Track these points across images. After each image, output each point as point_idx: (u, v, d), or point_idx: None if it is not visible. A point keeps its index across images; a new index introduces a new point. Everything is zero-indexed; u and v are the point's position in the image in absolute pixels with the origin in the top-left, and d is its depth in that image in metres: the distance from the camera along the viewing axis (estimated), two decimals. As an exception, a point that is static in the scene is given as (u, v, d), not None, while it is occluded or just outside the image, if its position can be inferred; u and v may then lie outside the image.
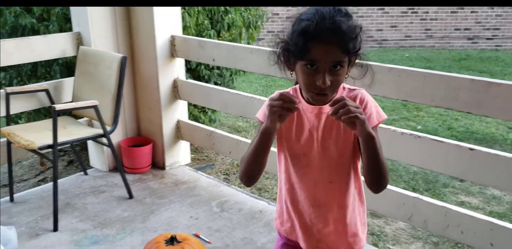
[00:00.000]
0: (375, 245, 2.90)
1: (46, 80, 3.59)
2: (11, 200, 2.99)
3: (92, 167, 3.45)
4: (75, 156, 3.34)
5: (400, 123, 5.04)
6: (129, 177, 3.22)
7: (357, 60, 1.27)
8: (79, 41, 3.05)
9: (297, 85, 1.36)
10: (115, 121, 2.78)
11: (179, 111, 3.28)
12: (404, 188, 3.61)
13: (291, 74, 1.31)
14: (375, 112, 1.30)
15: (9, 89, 2.81)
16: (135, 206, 2.91)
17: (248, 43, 3.90)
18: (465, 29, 8.86)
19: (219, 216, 2.78)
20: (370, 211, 3.18)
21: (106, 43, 3.05)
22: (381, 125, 2.26)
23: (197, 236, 2.55)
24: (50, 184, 3.12)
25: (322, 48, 1.18)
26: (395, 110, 5.52)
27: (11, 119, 3.86)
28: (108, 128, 2.79)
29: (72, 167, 4.05)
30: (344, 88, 1.33)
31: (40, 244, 2.53)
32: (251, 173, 1.35)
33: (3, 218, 2.80)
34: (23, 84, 3.66)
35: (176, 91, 3.17)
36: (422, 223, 2.15)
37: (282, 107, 1.19)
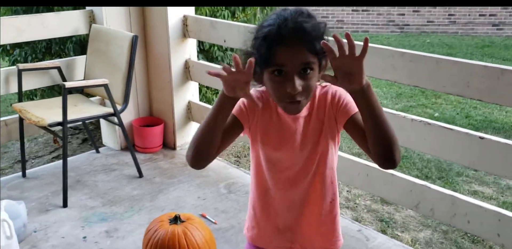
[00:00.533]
0: (383, 231, 2.88)
1: (60, 58, 3.61)
2: (24, 175, 3.03)
3: (105, 145, 3.48)
4: (89, 132, 3.36)
5: (417, 110, 4.97)
6: (140, 156, 3.24)
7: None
8: (91, 19, 3.03)
9: None
10: (125, 101, 2.78)
11: (191, 93, 3.27)
12: (417, 176, 3.58)
13: (260, 87, 1.26)
14: (351, 101, 1.23)
15: (21, 65, 2.82)
16: (144, 185, 2.93)
17: (264, 25, 3.84)
18: (491, 15, 8.63)
19: (226, 197, 2.78)
20: (378, 197, 3.17)
21: (119, 22, 3.04)
22: (392, 111, 2.22)
23: (203, 216, 2.56)
24: (61, 161, 3.15)
25: (287, 50, 1.11)
26: (413, 96, 5.44)
27: (26, 96, 3.92)
28: (119, 107, 2.79)
29: (86, 144, 4.09)
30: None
31: (49, 219, 2.57)
32: (200, 146, 1.19)
33: (15, 192, 2.84)
34: (37, 61, 3.68)
35: (187, 72, 3.15)
36: (428, 211, 2.12)
37: (234, 79, 1.09)
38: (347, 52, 1.04)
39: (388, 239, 2.40)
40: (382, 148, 1.13)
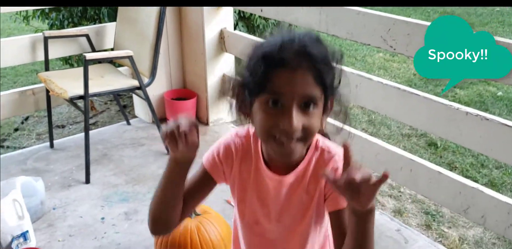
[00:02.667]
0: (427, 226, 2.62)
1: (95, 23, 3.45)
2: (51, 146, 2.94)
3: (137, 117, 3.33)
4: (119, 104, 3.22)
5: (478, 87, 4.51)
6: (171, 131, 3.07)
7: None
8: (121, -17, 2.82)
9: None
10: (152, 74, 2.58)
11: (225, 65, 3.03)
12: (472, 163, 3.24)
13: (247, 121, 1.02)
14: None
15: (47, 33, 2.67)
16: (171, 163, 2.77)
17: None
18: None
19: (255, 182, 2.58)
20: (423, 196, 2.88)
21: (150, -13, 2.80)
22: (443, 101, 1.89)
23: (228, 202, 2.38)
24: (92, 132, 3.05)
25: (288, 75, 0.88)
26: (476, 72, 4.96)
27: (65, 60, 3.82)
28: (146, 80, 2.61)
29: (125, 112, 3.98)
30: (317, 146, 1.03)
31: (69, 196, 2.48)
32: (157, 217, 1.06)
33: (41, 164, 2.77)
34: (73, 26, 3.55)
35: (222, 43, 2.90)
36: (479, 218, 1.84)
37: (174, 137, 0.95)
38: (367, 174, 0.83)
39: (430, 243, 2.13)
40: None
